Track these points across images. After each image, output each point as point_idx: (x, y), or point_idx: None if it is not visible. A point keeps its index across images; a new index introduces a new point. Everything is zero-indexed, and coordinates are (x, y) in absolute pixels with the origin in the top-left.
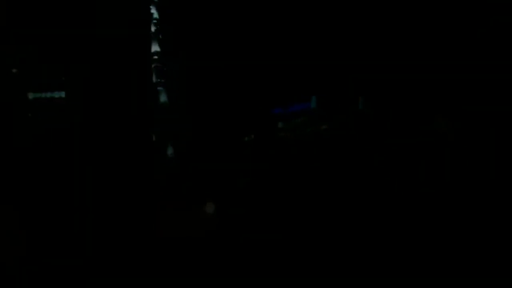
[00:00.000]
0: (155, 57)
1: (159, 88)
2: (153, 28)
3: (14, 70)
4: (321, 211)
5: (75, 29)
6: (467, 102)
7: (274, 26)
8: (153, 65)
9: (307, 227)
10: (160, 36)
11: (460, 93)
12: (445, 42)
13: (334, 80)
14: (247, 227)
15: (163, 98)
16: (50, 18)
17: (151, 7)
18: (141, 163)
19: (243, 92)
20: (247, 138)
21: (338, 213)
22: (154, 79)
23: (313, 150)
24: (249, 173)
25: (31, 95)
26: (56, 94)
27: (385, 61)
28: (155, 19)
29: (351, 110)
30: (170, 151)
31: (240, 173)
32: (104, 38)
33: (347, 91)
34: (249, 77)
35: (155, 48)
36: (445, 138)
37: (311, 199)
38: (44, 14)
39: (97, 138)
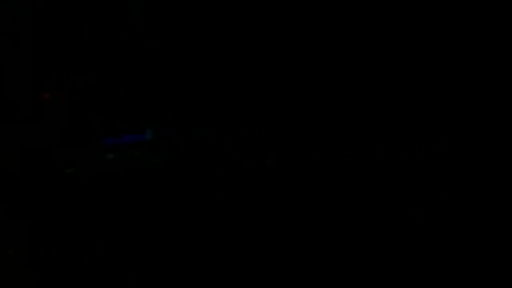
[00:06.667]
0: None
1: None
2: None
3: None
4: (154, 252)
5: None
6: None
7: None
8: None
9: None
10: None
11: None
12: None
13: (169, 111)
14: None
15: None
16: None
17: None
18: None
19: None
20: (70, 171)
21: (173, 253)
22: None
23: (147, 186)
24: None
25: None
26: None
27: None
28: None
29: (186, 141)
30: None
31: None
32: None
33: (184, 121)
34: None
35: None
36: (273, 173)
37: (148, 238)
38: None
39: None
